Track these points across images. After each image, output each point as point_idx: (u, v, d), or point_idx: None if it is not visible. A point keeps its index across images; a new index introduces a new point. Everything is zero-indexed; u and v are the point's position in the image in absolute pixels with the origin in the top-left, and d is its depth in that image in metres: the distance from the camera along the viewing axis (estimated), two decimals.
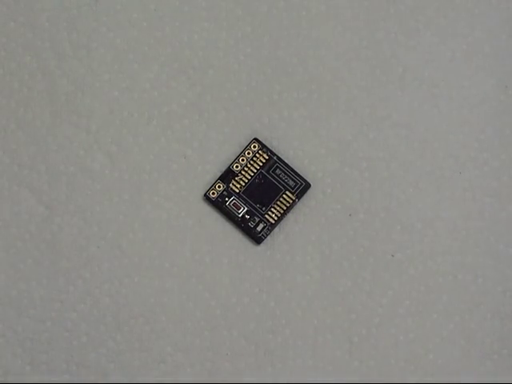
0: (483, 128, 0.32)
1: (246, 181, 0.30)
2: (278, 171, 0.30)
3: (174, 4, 0.32)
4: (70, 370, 0.29)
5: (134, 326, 0.29)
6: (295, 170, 0.30)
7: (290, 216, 0.30)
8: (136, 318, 0.30)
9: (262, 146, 0.31)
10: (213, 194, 0.30)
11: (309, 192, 0.30)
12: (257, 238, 0.30)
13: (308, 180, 0.30)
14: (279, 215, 0.30)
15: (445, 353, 0.30)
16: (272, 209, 0.30)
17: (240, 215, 0.30)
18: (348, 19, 0.32)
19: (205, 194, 0.30)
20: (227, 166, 0.31)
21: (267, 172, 0.30)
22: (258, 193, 0.30)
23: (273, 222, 0.30)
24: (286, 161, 0.31)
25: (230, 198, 0.30)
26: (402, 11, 0.33)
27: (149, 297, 0.30)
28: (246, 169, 0.30)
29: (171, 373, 0.29)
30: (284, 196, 0.30)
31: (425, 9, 0.33)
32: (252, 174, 0.30)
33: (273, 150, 0.31)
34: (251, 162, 0.31)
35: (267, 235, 0.30)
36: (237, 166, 0.30)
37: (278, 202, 0.30)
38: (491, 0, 0.33)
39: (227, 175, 0.30)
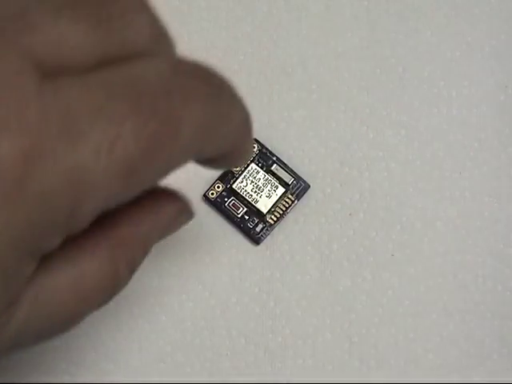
0: (483, 128, 0.32)
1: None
2: (277, 171, 0.30)
3: (174, 4, 0.32)
4: (69, 370, 0.29)
5: (134, 326, 0.29)
6: (295, 170, 0.30)
7: (290, 216, 0.30)
8: (136, 318, 0.30)
9: (262, 146, 0.31)
10: (212, 194, 0.30)
11: (309, 192, 0.30)
12: (256, 239, 0.30)
13: (308, 180, 0.30)
14: (279, 215, 0.30)
15: (445, 353, 0.30)
16: (271, 209, 0.30)
17: (239, 215, 0.30)
18: (348, 19, 0.32)
19: (204, 195, 0.30)
20: None
21: (267, 172, 0.30)
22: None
23: (272, 222, 0.30)
24: (285, 161, 0.31)
25: (229, 199, 0.30)
26: (402, 11, 0.33)
27: (148, 296, 0.30)
28: (245, 169, 0.30)
29: (171, 373, 0.29)
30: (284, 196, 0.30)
31: (425, 9, 0.33)
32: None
33: (272, 150, 0.31)
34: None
35: (267, 235, 0.30)
36: (236, 166, 0.30)
37: (278, 203, 0.30)
38: (491, 0, 0.33)
39: (226, 175, 0.30)
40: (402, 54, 0.32)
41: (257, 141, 0.31)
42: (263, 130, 0.31)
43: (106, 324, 0.29)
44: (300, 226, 0.30)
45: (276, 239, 0.30)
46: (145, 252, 0.25)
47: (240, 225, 0.30)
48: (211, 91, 0.20)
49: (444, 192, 0.31)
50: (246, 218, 0.30)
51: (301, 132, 0.31)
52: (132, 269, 0.24)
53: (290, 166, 0.31)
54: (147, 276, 0.30)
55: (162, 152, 0.18)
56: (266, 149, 0.31)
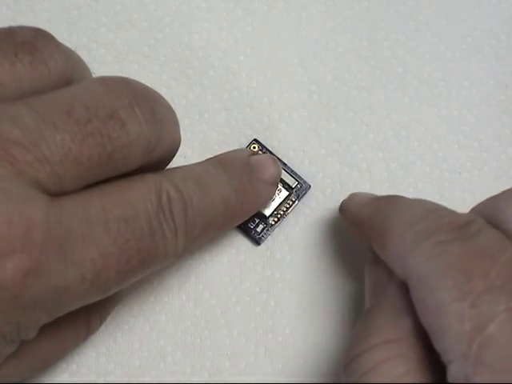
0: (483, 128, 0.32)
1: None
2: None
3: (174, 4, 0.32)
4: (69, 369, 0.29)
5: (134, 326, 0.29)
6: (295, 170, 0.30)
7: (290, 216, 0.30)
8: (136, 318, 0.30)
9: (262, 147, 0.31)
10: None
11: (309, 192, 0.30)
12: (257, 239, 0.30)
13: (308, 181, 0.30)
14: (279, 216, 0.30)
15: None
16: (274, 211, 0.30)
17: None
18: (348, 19, 0.33)
19: None
20: None
21: None
22: None
23: (273, 222, 0.30)
24: (285, 161, 0.31)
25: None
26: (401, 11, 0.33)
27: (149, 296, 0.30)
28: None
29: (171, 373, 0.29)
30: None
31: (425, 9, 0.33)
32: None
33: (272, 150, 0.31)
34: None
35: (267, 236, 0.30)
36: None
37: (281, 205, 0.30)
38: (491, 0, 0.33)
39: None
40: (402, 54, 0.32)
41: (257, 141, 0.31)
42: (263, 130, 0.31)
43: (106, 324, 0.29)
44: (300, 226, 0.30)
45: (276, 239, 0.30)
46: (116, 303, 0.28)
47: (241, 225, 0.30)
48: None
49: (444, 192, 0.31)
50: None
51: (301, 132, 0.31)
52: (103, 319, 0.27)
53: (290, 166, 0.31)
54: (147, 276, 0.30)
55: (136, 276, 0.23)
56: (267, 149, 0.31)
